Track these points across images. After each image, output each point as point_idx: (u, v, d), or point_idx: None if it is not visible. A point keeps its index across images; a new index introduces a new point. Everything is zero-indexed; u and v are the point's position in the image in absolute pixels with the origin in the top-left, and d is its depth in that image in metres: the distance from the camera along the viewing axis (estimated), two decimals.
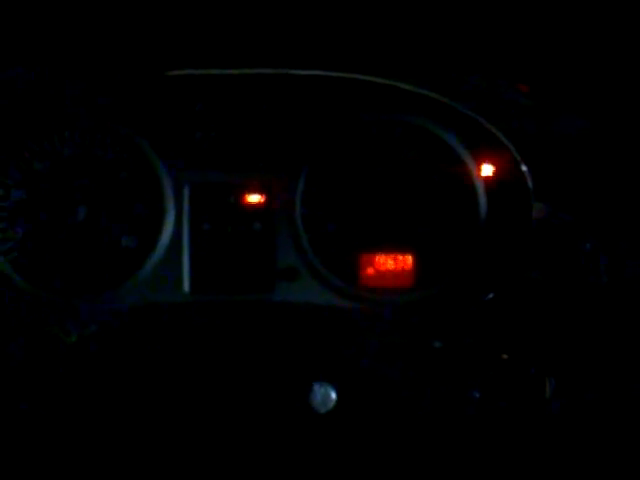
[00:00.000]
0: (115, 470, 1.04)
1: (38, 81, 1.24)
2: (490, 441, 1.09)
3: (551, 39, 1.11)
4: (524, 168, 1.23)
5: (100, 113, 1.29)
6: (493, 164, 1.28)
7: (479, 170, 1.29)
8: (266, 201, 1.31)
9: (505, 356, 1.13)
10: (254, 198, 1.31)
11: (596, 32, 1.10)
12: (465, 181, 1.29)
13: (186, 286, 1.30)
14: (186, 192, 1.30)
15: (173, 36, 1.15)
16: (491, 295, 1.24)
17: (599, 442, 1.06)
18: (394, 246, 1.30)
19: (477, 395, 1.09)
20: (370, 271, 1.31)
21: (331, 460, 1.05)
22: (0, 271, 1.28)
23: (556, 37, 1.11)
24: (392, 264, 1.30)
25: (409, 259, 1.30)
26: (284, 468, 1.01)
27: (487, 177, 1.28)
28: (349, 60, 1.24)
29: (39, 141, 1.29)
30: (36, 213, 1.29)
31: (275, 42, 1.18)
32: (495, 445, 1.08)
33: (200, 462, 1.05)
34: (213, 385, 1.09)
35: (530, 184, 1.23)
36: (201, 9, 1.12)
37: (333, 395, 1.07)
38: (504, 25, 1.12)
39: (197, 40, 1.16)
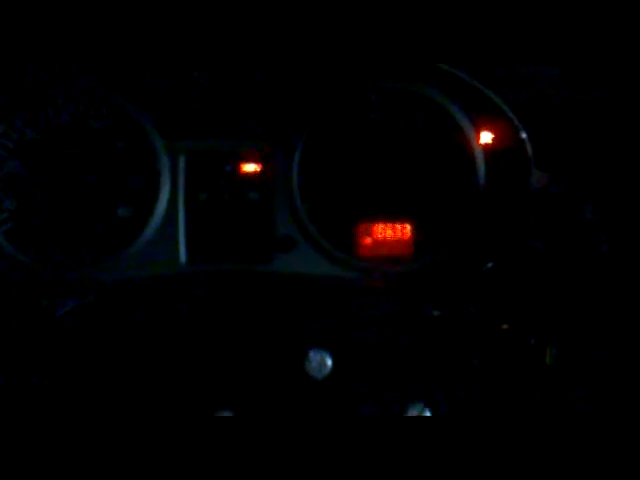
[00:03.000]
0: (112, 440, 1.03)
1: (30, 50, 1.23)
2: (489, 409, 1.08)
3: (550, 8, 1.10)
4: (523, 135, 1.22)
5: (94, 81, 1.28)
6: (492, 131, 1.26)
7: (478, 137, 1.27)
8: (262, 170, 1.30)
9: (505, 326, 1.13)
10: (250, 167, 1.30)
11: None
12: (464, 149, 1.27)
13: (182, 256, 1.29)
14: (181, 161, 1.29)
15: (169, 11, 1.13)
16: (490, 264, 1.24)
17: (601, 410, 1.06)
18: (392, 215, 1.29)
19: (476, 363, 1.09)
20: (368, 240, 1.30)
21: (327, 425, 1.05)
22: None
23: (554, 5, 1.09)
24: (390, 233, 1.29)
25: (407, 228, 1.29)
26: (281, 432, 1.01)
27: (486, 144, 1.27)
28: (346, 28, 1.22)
29: (32, 110, 1.28)
30: (30, 184, 1.28)
31: (272, 11, 1.16)
32: (495, 413, 1.08)
33: (197, 430, 1.05)
34: (210, 355, 1.09)
35: (530, 152, 1.22)
36: None
37: (329, 362, 1.07)
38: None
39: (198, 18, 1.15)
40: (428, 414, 1.05)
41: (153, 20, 1.16)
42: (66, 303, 1.15)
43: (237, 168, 1.30)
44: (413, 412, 1.05)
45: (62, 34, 1.18)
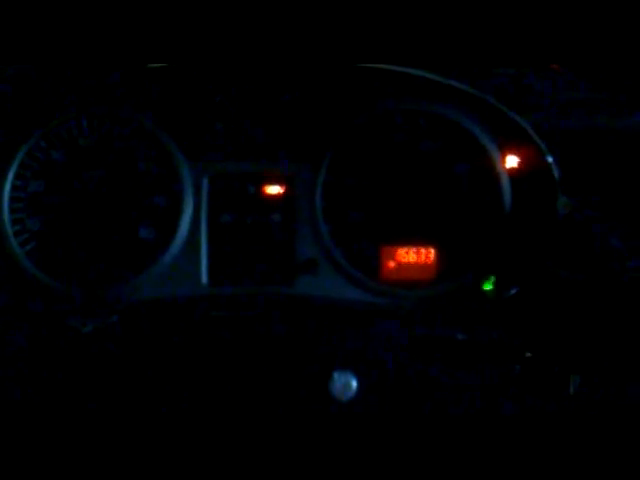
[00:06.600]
0: (132, 460, 1.04)
1: (54, 70, 1.23)
2: (512, 435, 1.07)
3: (576, 30, 1.09)
4: (550, 160, 1.21)
5: (118, 103, 1.28)
6: (518, 155, 1.25)
7: (504, 161, 1.26)
8: (286, 192, 1.29)
9: (528, 354, 1.11)
10: (274, 189, 1.29)
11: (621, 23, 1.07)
12: (489, 172, 1.26)
13: (204, 278, 1.29)
14: (205, 183, 1.29)
15: (189, 27, 1.13)
16: (515, 290, 1.22)
17: (624, 439, 1.04)
18: (416, 238, 1.28)
19: (499, 389, 1.08)
20: (391, 264, 1.29)
21: (351, 448, 1.05)
22: (17, 262, 1.27)
23: (580, 28, 1.08)
24: (414, 257, 1.28)
25: (431, 252, 1.28)
26: (305, 456, 1.01)
27: (512, 168, 1.26)
28: (372, 49, 1.21)
29: (56, 131, 1.28)
30: (53, 204, 1.28)
31: (296, 31, 1.16)
32: (517, 438, 1.07)
33: (219, 454, 1.04)
34: (232, 377, 1.09)
35: (556, 177, 1.21)
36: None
37: (354, 383, 1.06)
38: (533, 14, 1.09)
39: (218, 31, 1.15)
40: None
41: (180, 42, 1.16)
42: (87, 323, 1.15)
43: (260, 190, 1.29)
44: None
45: (86, 54, 1.18)
